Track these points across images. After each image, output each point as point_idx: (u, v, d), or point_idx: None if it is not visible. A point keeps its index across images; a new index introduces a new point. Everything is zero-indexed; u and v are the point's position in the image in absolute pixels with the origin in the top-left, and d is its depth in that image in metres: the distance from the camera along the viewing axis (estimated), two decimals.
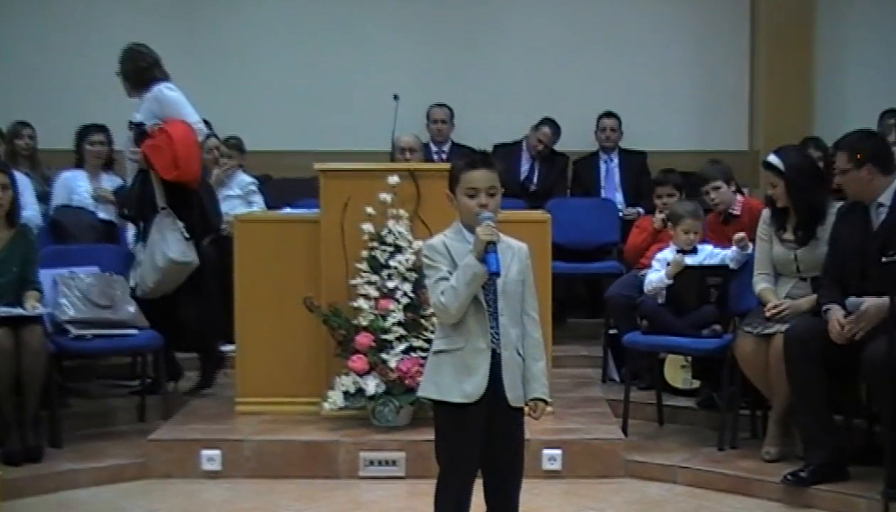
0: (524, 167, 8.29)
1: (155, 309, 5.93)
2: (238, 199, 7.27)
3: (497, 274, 3.39)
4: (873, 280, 4.63)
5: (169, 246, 5.89)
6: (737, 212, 6.02)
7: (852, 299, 4.60)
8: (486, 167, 3.49)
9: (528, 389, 3.53)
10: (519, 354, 3.51)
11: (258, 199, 7.38)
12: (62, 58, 8.55)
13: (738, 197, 6.09)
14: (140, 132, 5.98)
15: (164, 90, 6.03)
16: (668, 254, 5.67)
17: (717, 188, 5.97)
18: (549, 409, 5.20)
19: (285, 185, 8.03)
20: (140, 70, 6.01)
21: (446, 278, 3.43)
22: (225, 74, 8.58)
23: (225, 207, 7.05)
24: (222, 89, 8.31)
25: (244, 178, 7.46)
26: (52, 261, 5.79)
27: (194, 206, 6.12)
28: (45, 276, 5.61)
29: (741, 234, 5.52)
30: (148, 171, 5.95)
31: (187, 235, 5.95)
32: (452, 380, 3.45)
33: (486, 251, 3.37)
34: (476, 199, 3.46)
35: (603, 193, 8.16)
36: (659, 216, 6.41)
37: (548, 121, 8.20)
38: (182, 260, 5.91)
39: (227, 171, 7.32)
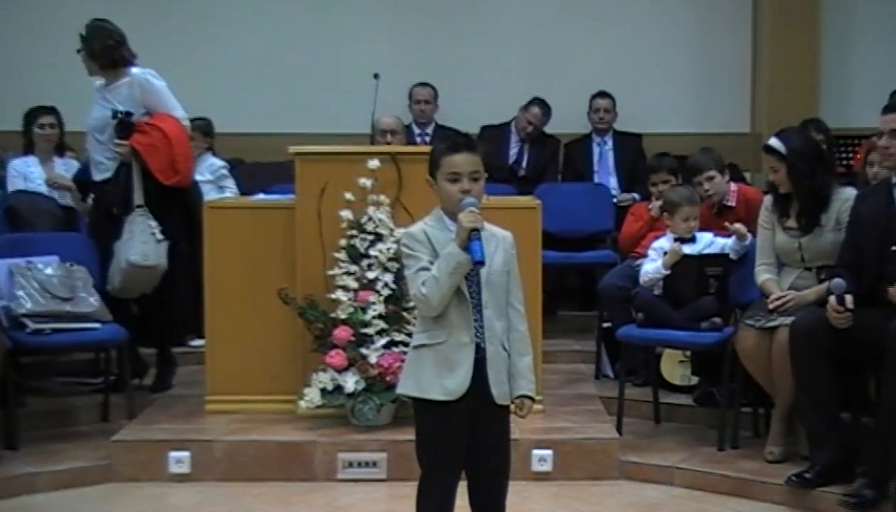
0: (513, 150, 8.28)
1: (124, 302, 5.95)
2: (209, 184, 7.23)
3: (481, 263, 3.38)
4: (891, 265, 4.64)
5: (133, 248, 5.86)
6: (732, 203, 6.00)
7: (837, 281, 4.63)
8: (469, 150, 3.49)
9: (514, 386, 3.53)
10: (504, 349, 3.52)
11: (230, 184, 7.36)
12: (15, 36, 8.48)
13: (732, 186, 6.07)
14: (126, 124, 5.93)
15: (151, 79, 6.02)
16: (664, 242, 5.66)
17: (711, 178, 5.94)
18: (538, 406, 5.26)
19: (258, 170, 7.99)
20: (108, 49, 5.97)
21: (427, 269, 3.43)
22: (192, 50, 8.54)
23: None
24: (189, 66, 8.25)
25: (215, 162, 7.43)
26: (8, 250, 5.76)
27: (188, 203, 6.14)
28: (1, 266, 5.57)
29: (739, 225, 5.50)
30: (130, 166, 5.93)
31: (160, 237, 5.94)
32: (433, 376, 3.45)
33: (470, 239, 3.37)
34: (458, 184, 3.46)
35: (596, 178, 8.16)
36: (656, 203, 6.40)
37: (537, 101, 8.19)
38: (142, 264, 5.89)
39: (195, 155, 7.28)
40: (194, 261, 6.04)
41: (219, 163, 7.44)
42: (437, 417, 3.45)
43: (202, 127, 7.41)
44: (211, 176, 7.30)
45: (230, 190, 7.28)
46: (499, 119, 8.32)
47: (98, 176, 6.08)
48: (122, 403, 5.82)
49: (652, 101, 8.55)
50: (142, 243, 5.87)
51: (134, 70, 5.99)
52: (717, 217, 5.91)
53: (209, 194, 6.95)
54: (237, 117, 8.19)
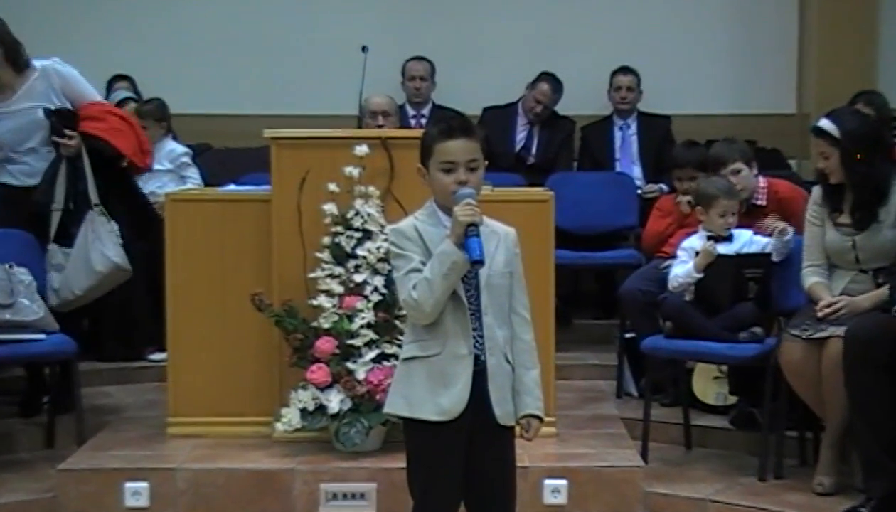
0: (520, 135, 8.30)
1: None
2: (168, 174, 7.25)
3: (480, 262, 3.40)
4: None
5: (107, 248, 5.95)
6: (762, 201, 6.00)
7: None
8: (465, 135, 3.51)
9: (519, 404, 3.55)
10: (507, 361, 3.54)
11: (193, 174, 7.36)
12: None
13: (761, 181, 6.07)
14: (68, 114, 5.99)
15: (65, 65, 6.08)
16: (695, 241, 5.66)
17: (738, 172, 5.93)
18: (550, 429, 5.27)
19: (228, 157, 8.02)
20: (18, 44, 6.01)
21: (419, 270, 3.45)
22: (149, 18, 8.55)
23: (152, 185, 7.05)
24: (147, 37, 8.30)
25: (176, 148, 7.43)
26: None
27: (138, 196, 6.26)
28: None
29: (778, 225, 5.48)
30: (76, 160, 5.97)
31: (121, 240, 6.03)
32: (426, 392, 3.47)
33: (466, 235, 3.39)
34: (453, 174, 3.49)
35: (618, 167, 8.19)
36: (683, 199, 6.41)
37: (545, 76, 8.20)
38: (124, 265, 6.00)
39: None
40: (152, 261, 6.06)
41: (180, 149, 7.43)
42: (431, 439, 3.47)
43: (153, 112, 7.37)
44: (170, 164, 7.31)
45: (192, 180, 7.29)
46: (504, 99, 8.34)
47: (28, 181, 6.11)
48: (70, 426, 5.82)
49: (682, 77, 8.56)
50: (114, 245, 5.97)
51: (37, 63, 6.05)
52: (745, 217, 5.90)
53: (168, 185, 6.98)
54: (203, 96, 8.22)
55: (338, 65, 8.20)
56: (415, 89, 8.44)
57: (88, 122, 5.99)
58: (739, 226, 5.71)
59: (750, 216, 5.91)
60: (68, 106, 6.02)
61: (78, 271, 5.94)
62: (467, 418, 3.46)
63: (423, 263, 3.45)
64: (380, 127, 7.10)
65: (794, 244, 5.50)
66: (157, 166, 7.21)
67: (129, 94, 7.70)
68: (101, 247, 5.93)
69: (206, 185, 7.18)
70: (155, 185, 7.05)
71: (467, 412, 3.45)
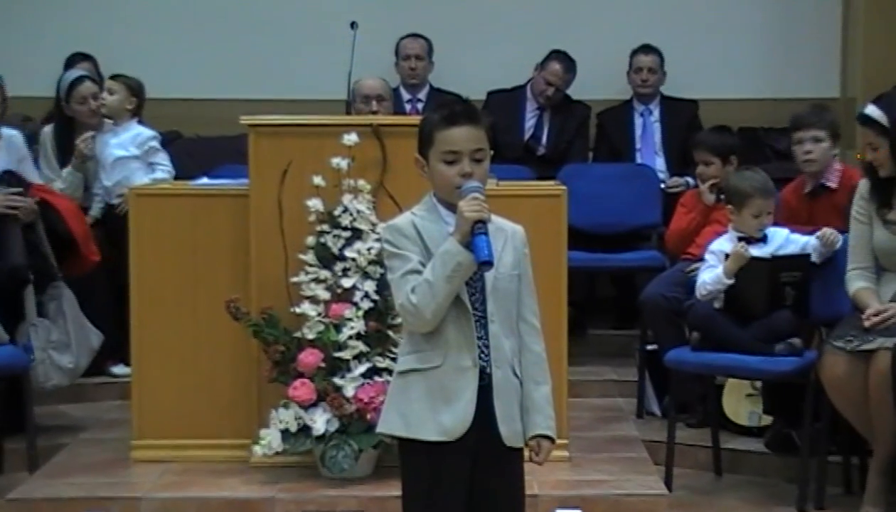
0: (529, 122, 8.31)
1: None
2: (136, 161, 7.20)
3: (488, 263, 3.40)
4: None
5: (88, 321, 6.16)
6: (832, 184, 6.00)
7: None
8: (470, 122, 3.51)
9: (529, 423, 3.55)
10: (515, 375, 3.54)
11: (163, 160, 7.30)
12: None
13: (837, 164, 6.06)
14: (24, 184, 6.14)
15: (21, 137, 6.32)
16: (725, 244, 5.66)
17: (818, 141, 5.94)
18: (562, 453, 5.26)
19: (201, 147, 8.02)
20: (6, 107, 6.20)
21: (418, 271, 3.45)
22: None
23: (118, 174, 7.04)
24: (109, 13, 8.28)
25: (142, 132, 7.37)
26: None
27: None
28: None
29: (828, 230, 5.49)
30: (31, 229, 6.07)
31: None
32: (425, 409, 3.47)
33: (473, 233, 3.39)
34: (457, 165, 3.49)
35: (639, 158, 8.20)
36: (704, 188, 6.40)
37: (557, 55, 8.19)
38: None
39: (101, 126, 7.26)
40: (114, 263, 6.06)
41: (148, 132, 7.37)
42: (430, 462, 3.47)
43: (128, 80, 7.32)
44: (137, 150, 7.27)
45: (163, 168, 7.25)
46: (511, 82, 8.35)
47: None
48: (21, 449, 5.83)
49: (711, 56, 8.57)
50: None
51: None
52: (809, 199, 5.90)
53: (136, 173, 6.97)
54: (172, 78, 8.22)
55: (324, 43, 8.20)
56: (410, 70, 8.43)
57: (43, 192, 6.22)
58: (794, 213, 5.69)
59: (815, 197, 5.92)
60: None
61: (82, 349, 6.14)
62: (471, 439, 3.46)
63: (423, 264, 3.45)
64: (373, 113, 7.10)
65: (839, 243, 5.50)
66: (122, 152, 7.16)
67: (85, 72, 7.65)
68: (87, 322, 6.16)
69: (176, 178, 7.15)
70: (121, 175, 7.02)
71: (471, 432, 3.45)
